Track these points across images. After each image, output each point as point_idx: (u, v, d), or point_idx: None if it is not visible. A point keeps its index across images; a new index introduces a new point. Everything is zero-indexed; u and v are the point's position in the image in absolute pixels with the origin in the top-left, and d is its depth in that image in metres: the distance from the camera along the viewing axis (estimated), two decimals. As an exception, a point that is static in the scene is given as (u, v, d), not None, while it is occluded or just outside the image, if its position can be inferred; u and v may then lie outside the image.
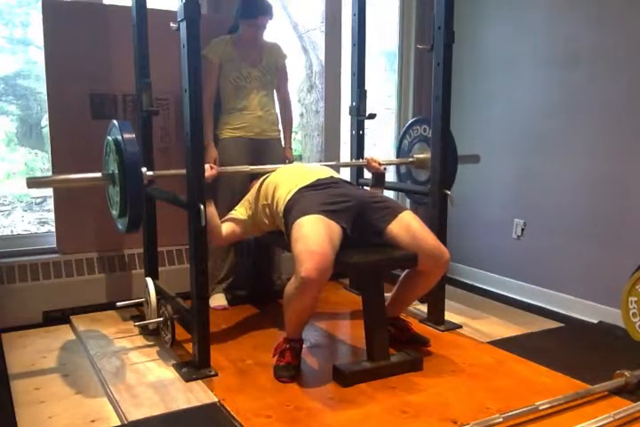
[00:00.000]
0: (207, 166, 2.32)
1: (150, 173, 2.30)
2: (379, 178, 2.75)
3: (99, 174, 2.18)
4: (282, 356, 2.19)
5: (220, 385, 2.09)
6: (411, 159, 2.91)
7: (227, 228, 2.47)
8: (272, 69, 2.97)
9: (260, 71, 2.92)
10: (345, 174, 3.38)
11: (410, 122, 3.07)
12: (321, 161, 3.67)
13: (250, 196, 2.57)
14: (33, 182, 2.06)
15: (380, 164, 2.75)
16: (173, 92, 2.90)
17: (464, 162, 2.84)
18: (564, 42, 3.03)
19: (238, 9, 2.84)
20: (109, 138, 2.14)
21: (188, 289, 2.20)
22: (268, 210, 2.43)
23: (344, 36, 3.48)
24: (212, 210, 2.34)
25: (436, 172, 2.61)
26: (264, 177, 2.57)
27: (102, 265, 2.93)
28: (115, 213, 2.22)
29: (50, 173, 2.90)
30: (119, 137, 2.05)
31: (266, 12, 2.83)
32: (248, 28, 2.86)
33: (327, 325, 2.77)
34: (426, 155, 2.81)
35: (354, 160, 3.16)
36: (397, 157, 3.10)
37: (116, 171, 2.06)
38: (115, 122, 2.13)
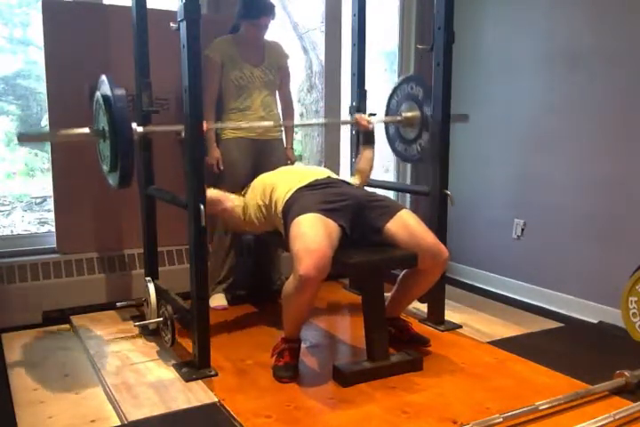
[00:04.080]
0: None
1: (140, 128, 2.29)
2: (367, 135, 2.85)
3: (87, 130, 2.17)
4: (280, 356, 2.19)
5: (220, 385, 2.09)
6: (399, 118, 2.90)
7: (221, 193, 2.51)
8: (274, 69, 2.96)
9: (262, 71, 2.92)
10: (345, 174, 3.39)
11: (398, 81, 3.03)
12: (321, 162, 3.67)
13: (243, 192, 2.60)
14: (24, 137, 2.07)
15: (368, 121, 2.83)
16: (173, 92, 2.89)
17: (453, 120, 2.81)
18: (563, 42, 3.03)
19: (240, 9, 2.83)
20: (99, 93, 2.13)
21: (188, 289, 2.20)
22: (264, 210, 2.43)
23: (344, 36, 3.47)
24: None
25: (436, 172, 2.61)
26: (259, 177, 2.59)
27: (102, 265, 2.93)
28: (105, 168, 2.22)
29: (50, 173, 2.90)
30: (109, 93, 2.04)
31: (268, 12, 2.83)
32: (250, 27, 2.85)
33: (327, 325, 2.77)
34: (414, 113, 2.82)
35: (354, 161, 3.16)
36: (386, 116, 3.07)
37: (106, 127, 2.06)
38: (104, 77, 2.11)
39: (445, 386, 2.11)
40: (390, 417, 1.88)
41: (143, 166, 2.60)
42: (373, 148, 2.85)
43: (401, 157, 3.09)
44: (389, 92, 3.05)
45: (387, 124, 3.06)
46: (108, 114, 2.03)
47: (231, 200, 2.53)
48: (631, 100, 2.75)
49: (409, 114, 2.87)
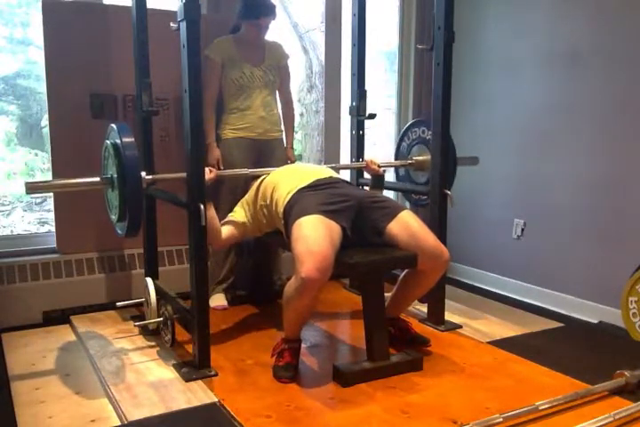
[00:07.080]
0: (206, 170, 2.26)
1: (149, 176, 2.29)
2: (378, 179, 2.76)
3: (97, 179, 2.15)
4: (280, 356, 2.19)
5: (220, 385, 2.09)
6: (410, 161, 2.92)
7: (226, 231, 2.46)
8: (274, 69, 2.96)
9: (262, 71, 2.92)
10: (345, 174, 3.38)
11: (408, 124, 3.06)
12: (321, 161, 3.68)
13: (248, 197, 2.58)
14: (32, 187, 2.05)
15: (379, 166, 2.76)
16: (173, 92, 2.89)
17: (463, 164, 2.85)
18: (564, 41, 3.03)
19: (240, 9, 2.83)
20: (108, 142, 2.12)
21: (188, 289, 2.20)
22: (266, 210, 2.43)
23: (344, 36, 3.47)
24: (211, 213, 2.31)
25: (436, 172, 2.61)
26: (262, 177, 2.58)
27: (102, 265, 2.93)
28: (114, 217, 2.21)
29: (50, 173, 2.90)
30: (118, 141, 2.03)
31: (269, 12, 2.83)
32: (250, 28, 2.85)
33: (327, 325, 2.76)
34: (425, 157, 2.83)
35: (354, 161, 3.17)
36: (396, 159, 3.09)
37: (115, 175, 2.05)
38: (113, 126, 2.11)
39: (445, 386, 2.10)
40: (390, 417, 1.88)
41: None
42: (382, 192, 2.76)
43: (410, 200, 3.11)
44: (399, 135, 3.07)
45: (397, 167, 3.07)
46: (117, 163, 2.02)
47: (238, 226, 2.49)
48: (631, 99, 2.75)
49: (420, 158, 2.87)
